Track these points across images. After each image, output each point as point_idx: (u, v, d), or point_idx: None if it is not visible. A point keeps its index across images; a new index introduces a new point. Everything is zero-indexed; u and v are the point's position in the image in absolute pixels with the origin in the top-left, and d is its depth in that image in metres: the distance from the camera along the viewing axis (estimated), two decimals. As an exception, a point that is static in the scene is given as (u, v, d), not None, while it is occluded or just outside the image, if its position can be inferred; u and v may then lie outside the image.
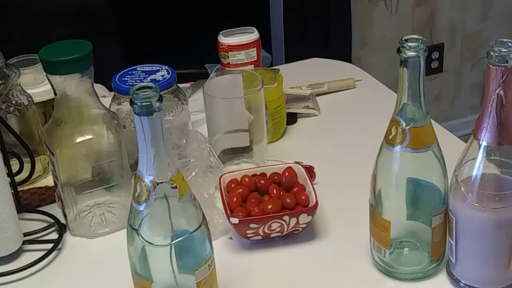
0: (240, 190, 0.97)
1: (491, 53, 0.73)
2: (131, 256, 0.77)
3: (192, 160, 1.00)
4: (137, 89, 0.69)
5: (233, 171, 1.01)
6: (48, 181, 1.08)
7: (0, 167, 0.91)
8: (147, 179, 0.72)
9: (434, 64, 2.62)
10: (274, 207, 0.94)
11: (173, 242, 0.74)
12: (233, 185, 0.99)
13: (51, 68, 0.93)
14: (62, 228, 0.99)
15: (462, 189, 0.80)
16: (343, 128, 1.24)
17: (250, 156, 1.10)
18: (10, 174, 0.96)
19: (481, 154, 0.78)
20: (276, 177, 1.00)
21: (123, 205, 1.00)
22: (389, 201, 0.85)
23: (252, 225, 0.92)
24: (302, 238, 0.96)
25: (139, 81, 1.04)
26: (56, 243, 0.97)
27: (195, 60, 1.59)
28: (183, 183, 0.74)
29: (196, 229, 0.76)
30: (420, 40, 0.76)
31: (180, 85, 1.10)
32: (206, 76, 1.17)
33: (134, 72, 1.07)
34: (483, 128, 0.77)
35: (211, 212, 0.96)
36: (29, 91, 1.07)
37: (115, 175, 1.00)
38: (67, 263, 0.96)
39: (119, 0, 2.77)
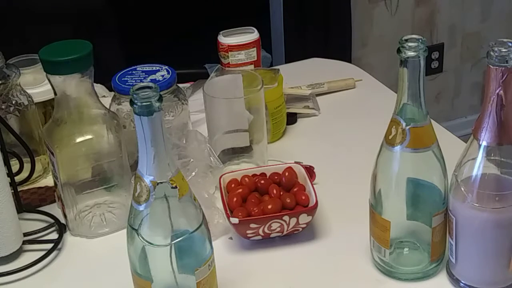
0: (240, 190, 0.97)
1: (491, 53, 0.73)
2: (131, 256, 0.77)
3: (192, 160, 1.00)
4: (137, 89, 0.69)
5: (233, 171, 1.01)
6: (48, 181, 1.08)
7: (0, 167, 0.91)
8: (147, 179, 0.72)
9: (434, 64, 2.62)
10: (274, 207, 0.94)
11: (173, 242, 0.74)
12: (233, 185, 0.99)
13: (51, 68, 0.93)
14: (62, 228, 0.99)
15: (462, 189, 0.80)
16: (343, 128, 1.24)
17: (250, 156, 1.10)
18: (10, 174, 0.96)
19: (481, 154, 0.78)
20: (276, 177, 1.00)
21: (123, 205, 1.00)
22: (389, 201, 0.85)
23: (252, 225, 0.92)
24: (302, 238, 0.96)
25: (139, 81, 1.04)
26: (56, 243, 0.97)
27: (195, 60, 1.58)
28: (183, 183, 0.74)
29: (196, 229, 0.76)
30: (420, 40, 0.76)
31: (180, 85, 1.10)
32: (206, 76, 1.17)
33: (134, 72, 1.07)
34: (483, 128, 0.76)
35: (211, 212, 0.96)
36: (29, 91, 1.07)
37: (115, 175, 1.00)
38: (67, 263, 0.96)
39: (119, 0, 2.77)
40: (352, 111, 1.29)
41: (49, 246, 0.97)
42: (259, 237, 0.94)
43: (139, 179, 0.73)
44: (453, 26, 2.59)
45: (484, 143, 0.77)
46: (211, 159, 1.01)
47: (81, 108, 0.96)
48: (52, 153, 0.95)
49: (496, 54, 0.72)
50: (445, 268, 0.88)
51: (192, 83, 1.35)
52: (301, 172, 1.00)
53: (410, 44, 0.76)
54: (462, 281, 0.85)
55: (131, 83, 1.04)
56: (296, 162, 1.02)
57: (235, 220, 0.92)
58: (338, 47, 2.35)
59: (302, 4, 2.31)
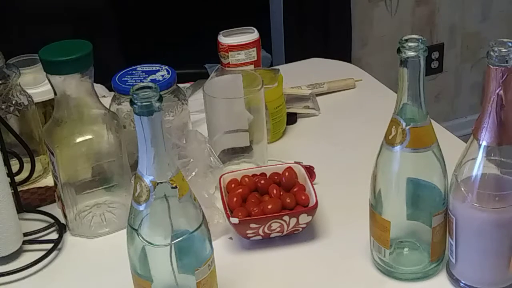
0: (240, 190, 0.97)
1: (491, 53, 0.73)
2: (131, 256, 0.77)
3: (192, 160, 1.00)
4: (137, 89, 0.69)
5: (233, 171, 1.01)
6: (48, 181, 1.08)
7: (0, 167, 0.91)
8: (147, 179, 0.72)
9: (434, 64, 2.62)
10: (274, 207, 0.94)
11: (173, 242, 0.74)
12: (233, 185, 0.99)
13: (51, 68, 0.93)
14: (62, 228, 0.99)
15: (462, 189, 0.80)
16: (343, 128, 1.24)
17: (250, 156, 1.11)
18: (10, 174, 0.96)
19: (481, 154, 0.78)
20: (276, 177, 1.00)
21: (123, 205, 1.00)
22: (389, 201, 0.85)
23: (252, 225, 0.92)
24: (302, 238, 0.96)
25: (139, 81, 1.04)
26: (56, 243, 0.97)
27: (195, 60, 1.58)
28: (183, 183, 0.74)
29: (196, 229, 0.76)
30: (420, 40, 0.76)
31: (180, 85, 1.10)
32: (206, 76, 1.17)
33: (134, 72, 1.07)
34: (483, 128, 0.77)
35: (211, 212, 0.96)
36: (29, 91, 1.07)
37: (115, 175, 1.00)
38: (67, 263, 0.96)
39: (119, 0, 2.77)
40: (352, 111, 1.29)
41: (49, 246, 0.97)
42: (259, 237, 0.94)
43: (139, 179, 0.73)
44: (453, 26, 2.59)
45: (484, 143, 0.77)
46: (211, 159, 1.01)
47: (81, 108, 0.96)
48: (52, 153, 0.95)
49: (496, 54, 0.72)
50: (445, 268, 0.88)
51: (192, 83, 1.35)
52: (301, 172, 1.00)
53: (410, 44, 0.76)
54: (462, 281, 0.85)
55: (131, 83, 1.04)
56: (296, 162, 1.02)
57: (235, 220, 0.92)
58: (338, 47, 2.35)
59: (302, 4, 2.31)
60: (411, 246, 0.89)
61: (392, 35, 2.48)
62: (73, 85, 0.93)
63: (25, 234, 0.97)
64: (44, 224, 1.01)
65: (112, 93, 1.07)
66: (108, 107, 1.02)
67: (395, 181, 0.83)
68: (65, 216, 1.00)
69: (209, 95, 1.06)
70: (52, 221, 1.01)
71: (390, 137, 0.81)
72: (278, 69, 1.21)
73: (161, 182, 0.72)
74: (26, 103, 1.06)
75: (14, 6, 2.41)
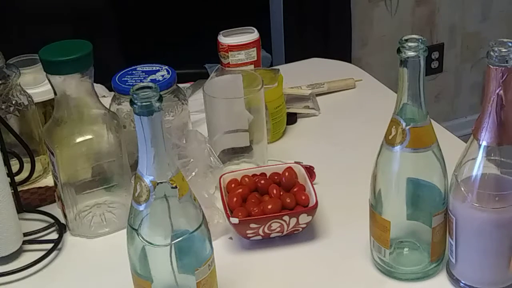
0: (240, 190, 0.97)
1: (491, 53, 0.73)
2: (131, 256, 0.77)
3: (192, 160, 1.00)
4: (137, 89, 0.70)
5: (233, 171, 1.01)
6: (48, 181, 1.08)
7: (0, 167, 0.91)
8: (147, 179, 0.72)
9: (434, 64, 2.62)
10: (274, 207, 0.94)
11: (173, 242, 0.74)
12: (233, 185, 0.99)
13: (51, 68, 0.93)
14: (62, 228, 0.99)
15: (462, 189, 0.80)
16: (343, 128, 1.24)
17: (250, 156, 1.11)
18: (10, 174, 0.96)
19: (481, 154, 0.78)
20: (276, 177, 1.00)
21: (123, 205, 1.00)
22: (389, 201, 0.85)
23: (252, 225, 0.92)
24: (302, 238, 0.96)
25: (139, 81, 1.04)
26: (56, 243, 0.97)
27: (195, 60, 1.58)
28: (183, 183, 0.74)
29: (196, 229, 0.76)
30: (420, 40, 0.76)
31: (180, 85, 1.10)
32: (206, 76, 1.17)
33: (134, 72, 1.07)
34: (483, 128, 0.77)
35: (211, 212, 0.96)
36: (29, 91, 1.07)
37: (115, 175, 1.00)
38: (67, 263, 0.96)
39: (119, 0, 2.77)
40: (352, 111, 1.29)
41: (49, 246, 0.97)
42: (259, 237, 0.94)
43: (139, 179, 0.73)
44: (453, 26, 2.59)
45: (484, 143, 0.77)
46: (211, 159, 1.01)
47: (81, 108, 0.96)
48: (52, 153, 0.95)
49: (496, 54, 0.72)
50: (445, 268, 0.88)
51: (192, 83, 1.35)
52: (301, 172, 1.00)
53: (410, 44, 0.76)
54: (462, 281, 0.85)
55: (131, 83, 1.04)
56: (296, 162, 1.02)
57: (235, 220, 0.92)
58: (338, 47, 2.35)
59: (302, 4, 2.31)
60: (411, 246, 0.89)
61: (392, 35, 2.48)
62: (73, 85, 0.93)
63: (25, 234, 0.97)
64: (44, 224, 1.01)
65: (112, 93, 1.07)
66: (108, 107, 1.02)
67: (395, 181, 0.83)
68: (65, 216, 1.00)
69: (209, 95, 1.06)
70: (52, 221, 1.01)
71: (390, 137, 0.81)
72: (278, 69, 1.21)
73: (161, 182, 0.72)
74: (26, 103, 1.06)
75: (14, 6, 2.41)
